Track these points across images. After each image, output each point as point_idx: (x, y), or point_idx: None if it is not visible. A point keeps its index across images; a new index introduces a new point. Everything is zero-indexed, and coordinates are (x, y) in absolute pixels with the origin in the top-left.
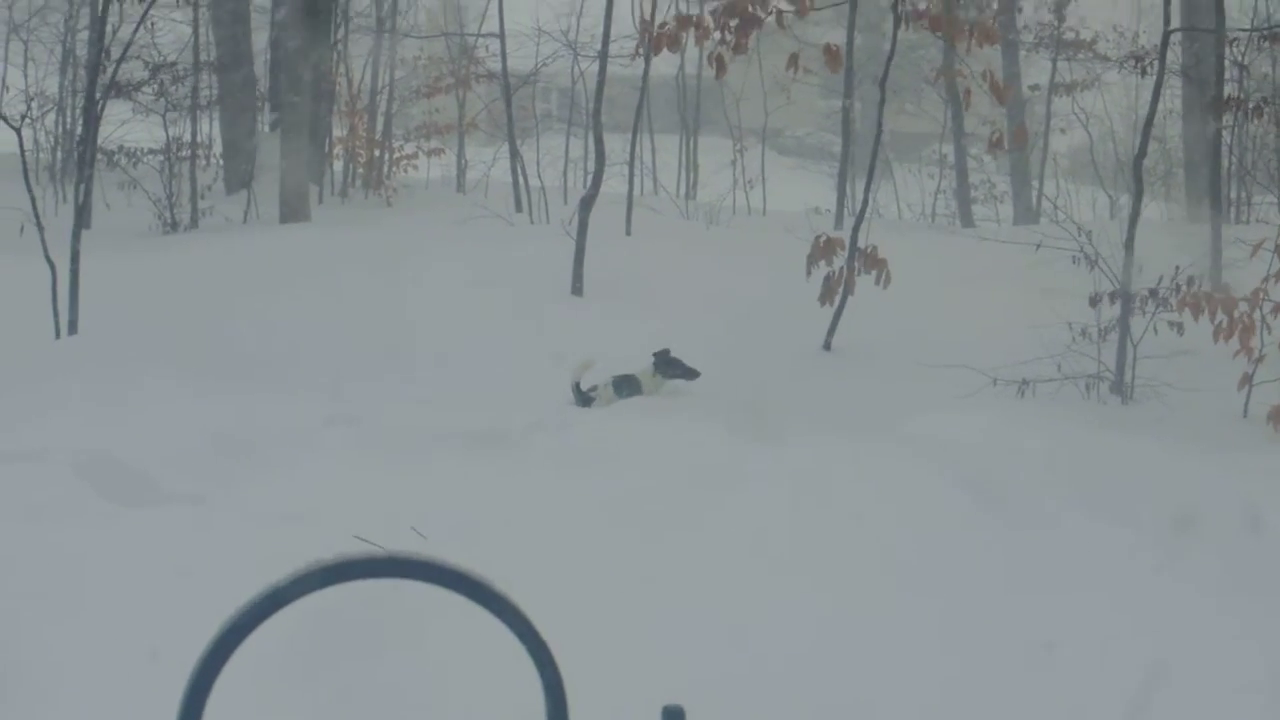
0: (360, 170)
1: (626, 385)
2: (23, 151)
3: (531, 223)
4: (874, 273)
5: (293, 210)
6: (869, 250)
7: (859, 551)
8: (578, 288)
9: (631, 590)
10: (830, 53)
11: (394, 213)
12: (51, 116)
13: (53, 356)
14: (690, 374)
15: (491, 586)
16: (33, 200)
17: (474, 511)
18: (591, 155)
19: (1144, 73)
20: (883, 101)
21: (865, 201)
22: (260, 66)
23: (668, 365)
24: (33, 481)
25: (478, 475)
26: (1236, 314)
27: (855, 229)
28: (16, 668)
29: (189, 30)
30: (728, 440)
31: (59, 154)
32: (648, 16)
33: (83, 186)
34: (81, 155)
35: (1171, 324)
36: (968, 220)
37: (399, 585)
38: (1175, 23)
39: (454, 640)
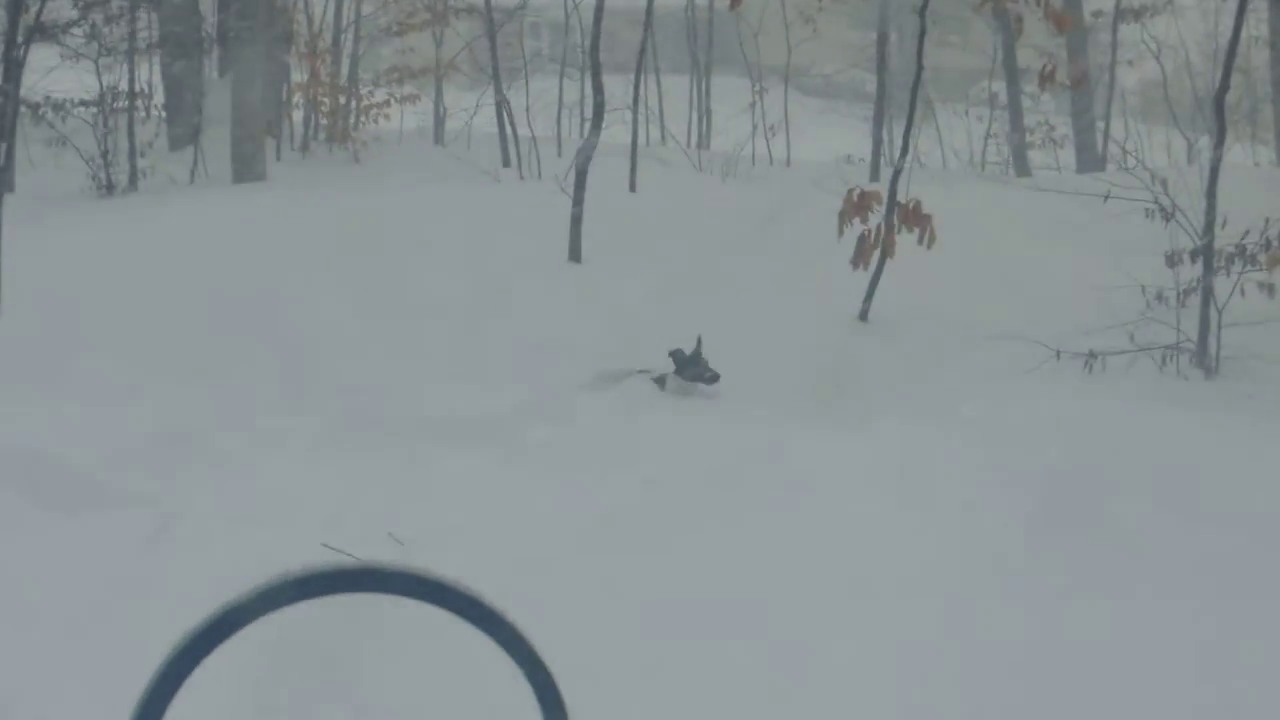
0: (324, 121)
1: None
2: None
3: (521, 179)
4: (916, 231)
5: (246, 168)
6: (910, 205)
7: (943, 556)
8: (575, 253)
9: (654, 614)
10: None
11: (363, 170)
12: None
13: None
14: (711, 377)
15: (485, 603)
16: None
17: (462, 513)
18: (589, 100)
19: None
20: (923, 33)
21: (905, 149)
22: (207, 3)
23: (687, 365)
24: None
25: (465, 470)
26: None
27: (894, 181)
28: None
29: None
30: (752, 429)
31: None
32: None
33: (2, 145)
34: (1, 108)
35: (1262, 285)
36: (1023, 168)
37: (376, 601)
38: None
39: (440, 666)
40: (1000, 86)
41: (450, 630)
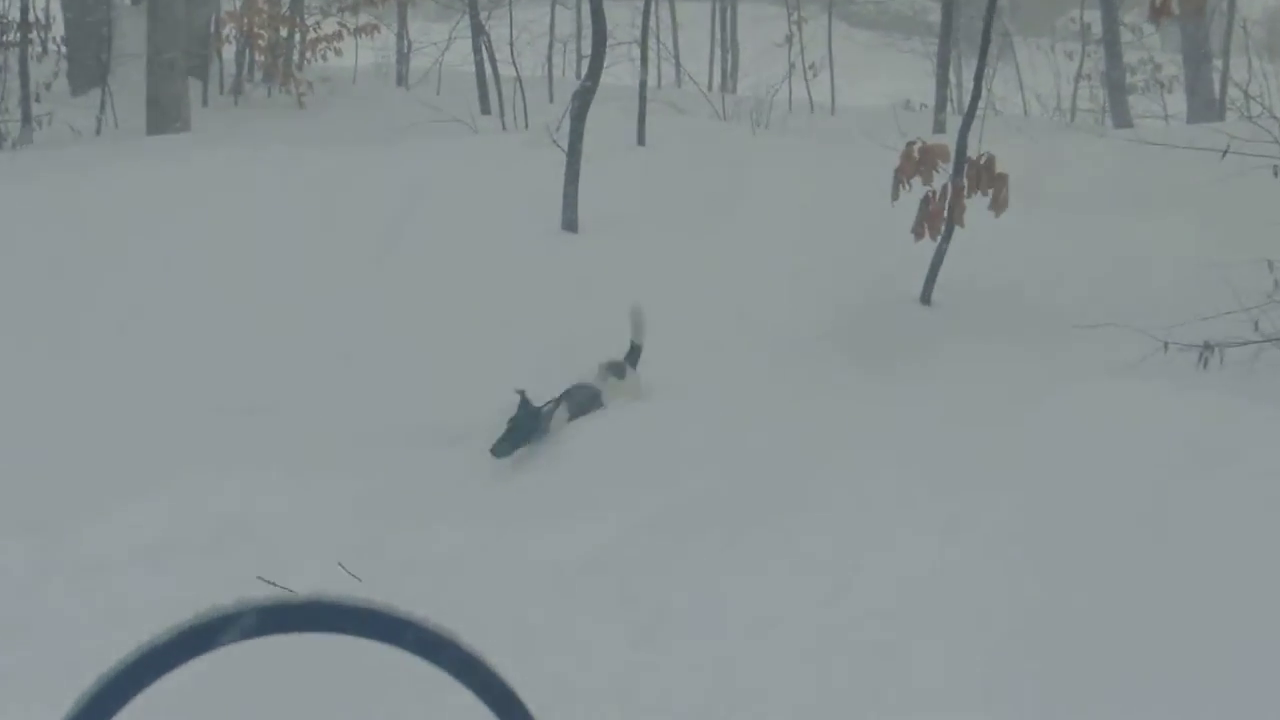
0: (260, 58)
1: (581, 398)
2: None
3: (504, 129)
4: (989, 194)
5: (165, 116)
6: (982, 161)
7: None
8: (570, 220)
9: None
10: None
11: (308, 116)
12: None
13: None
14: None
15: (456, 642)
16: None
17: (433, 537)
18: (586, 33)
19: None
20: None
21: (976, 93)
22: None
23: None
24: None
25: (436, 486)
26: None
27: (962, 132)
28: None
29: None
30: (773, 439)
31: None
32: None
33: None
34: None
35: None
36: (1122, 117)
37: (329, 642)
38: None
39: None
40: (1094, 16)
41: (417, 674)
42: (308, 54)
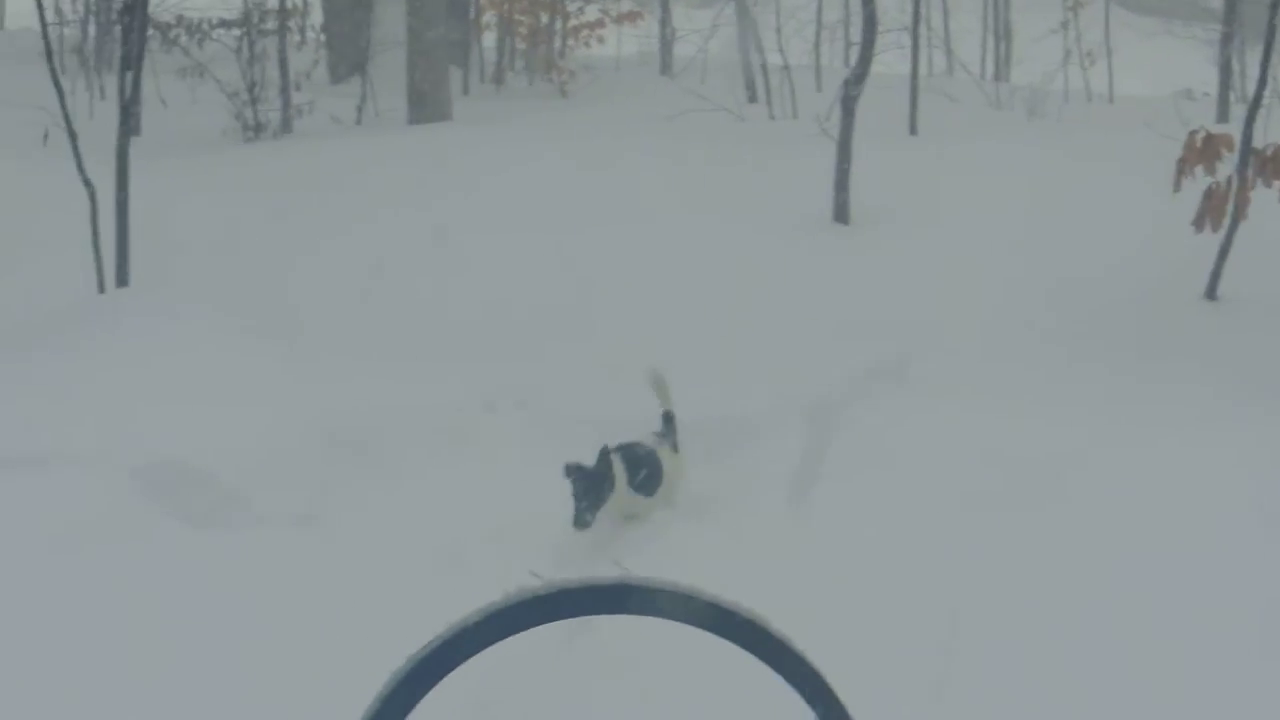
0: (522, 47)
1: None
2: (44, 25)
3: (772, 118)
4: (1275, 184)
5: (427, 106)
6: (1269, 152)
7: None
8: (842, 212)
9: None
10: None
11: (571, 106)
12: None
13: (94, 319)
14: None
15: (766, 627)
16: (60, 96)
17: (705, 536)
18: (856, 20)
19: None
20: None
21: (1262, 80)
22: None
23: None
24: (75, 494)
25: (712, 479)
26: None
27: (1248, 121)
28: None
29: None
30: (1059, 432)
31: (92, 29)
32: None
33: (129, 76)
34: (127, 31)
35: None
36: None
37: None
38: None
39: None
40: None
41: (708, 659)
42: (569, 41)
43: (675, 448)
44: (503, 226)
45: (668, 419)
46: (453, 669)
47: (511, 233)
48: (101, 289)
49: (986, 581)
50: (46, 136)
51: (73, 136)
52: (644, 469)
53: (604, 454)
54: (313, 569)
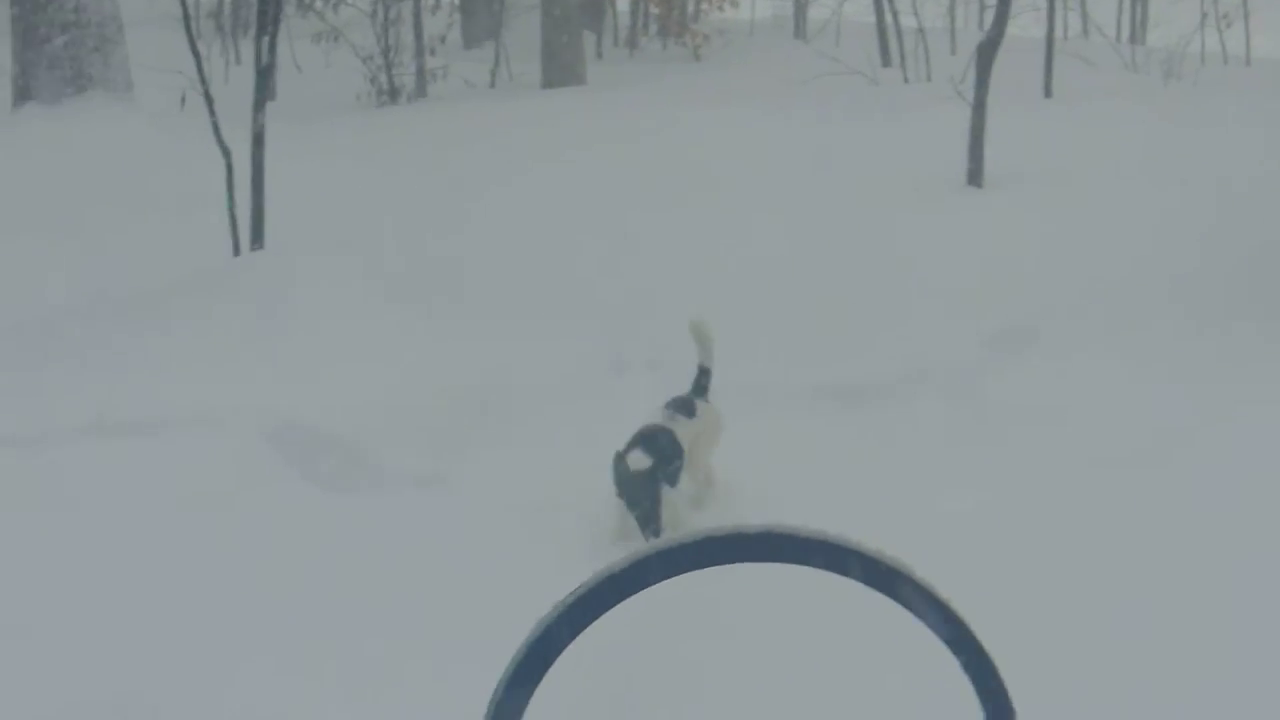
0: (655, 10)
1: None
2: None
3: (906, 82)
4: None
5: (560, 70)
6: None
7: None
8: (976, 176)
9: None
10: None
11: (705, 69)
12: None
13: (230, 280)
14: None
15: (911, 575)
16: (197, 61)
17: (849, 493)
18: None
19: None
20: None
21: None
22: None
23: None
24: (207, 456)
25: (845, 443)
26: None
27: None
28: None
29: None
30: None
31: None
32: None
33: (265, 41)
34: None
35: None
36: None
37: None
38: None
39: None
40: None
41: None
42: (703, 5)
43: (693, 412)
44: (636, 189)
45: (702, 375)
46: (596, 618)
47: (644, 194)
48: (237, 251)
49: (1116, 545)
50: (184, 101)
51: (209, 101)
52: (668, 452)
53: (619, 461)
54: (441, 529)
